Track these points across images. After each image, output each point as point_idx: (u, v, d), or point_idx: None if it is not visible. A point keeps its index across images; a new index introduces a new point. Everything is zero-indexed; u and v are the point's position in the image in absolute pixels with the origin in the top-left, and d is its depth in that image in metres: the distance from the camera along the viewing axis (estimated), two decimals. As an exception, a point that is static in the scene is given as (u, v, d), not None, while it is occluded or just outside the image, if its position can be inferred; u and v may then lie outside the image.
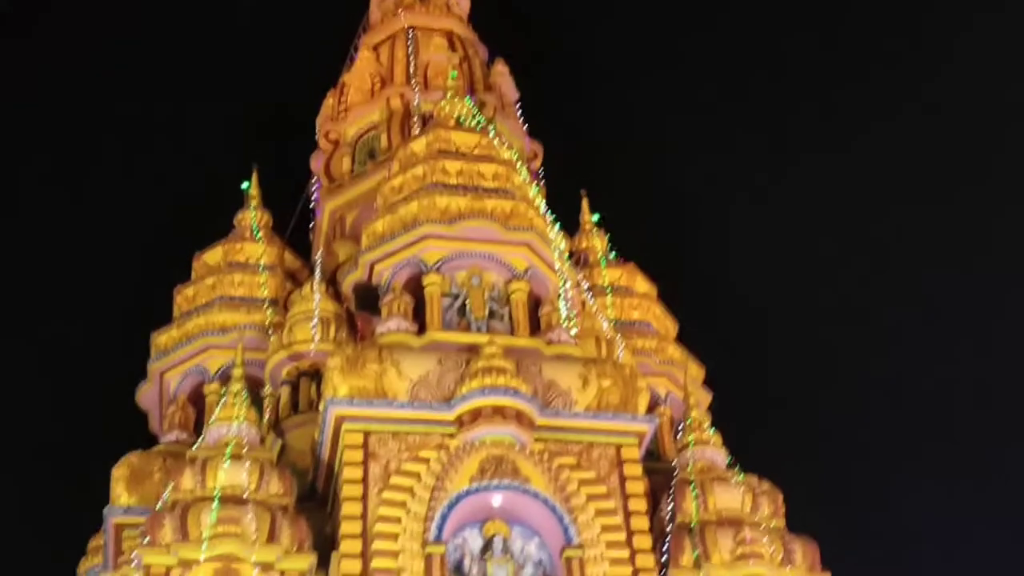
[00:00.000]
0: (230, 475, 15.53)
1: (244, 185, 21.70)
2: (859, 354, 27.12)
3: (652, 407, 18.41)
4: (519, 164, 19.08)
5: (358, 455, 15.59)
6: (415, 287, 17.59)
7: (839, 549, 17.13)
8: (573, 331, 17.62)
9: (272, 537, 15.01)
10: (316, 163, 22.42)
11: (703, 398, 19.76)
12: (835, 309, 28.36)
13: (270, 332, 19.03)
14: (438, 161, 18.39)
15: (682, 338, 20.60)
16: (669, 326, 20.70)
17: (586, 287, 19.47)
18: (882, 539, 23.49)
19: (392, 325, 17.05)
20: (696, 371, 20.19)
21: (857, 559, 19.90)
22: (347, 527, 15.03)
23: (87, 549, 18.70)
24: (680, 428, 17.91)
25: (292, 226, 21.96)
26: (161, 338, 19.92)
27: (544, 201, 19.25)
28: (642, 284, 20.88)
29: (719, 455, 17.23)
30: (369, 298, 18.16)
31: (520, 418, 15.86)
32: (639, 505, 15.76)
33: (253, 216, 21.30)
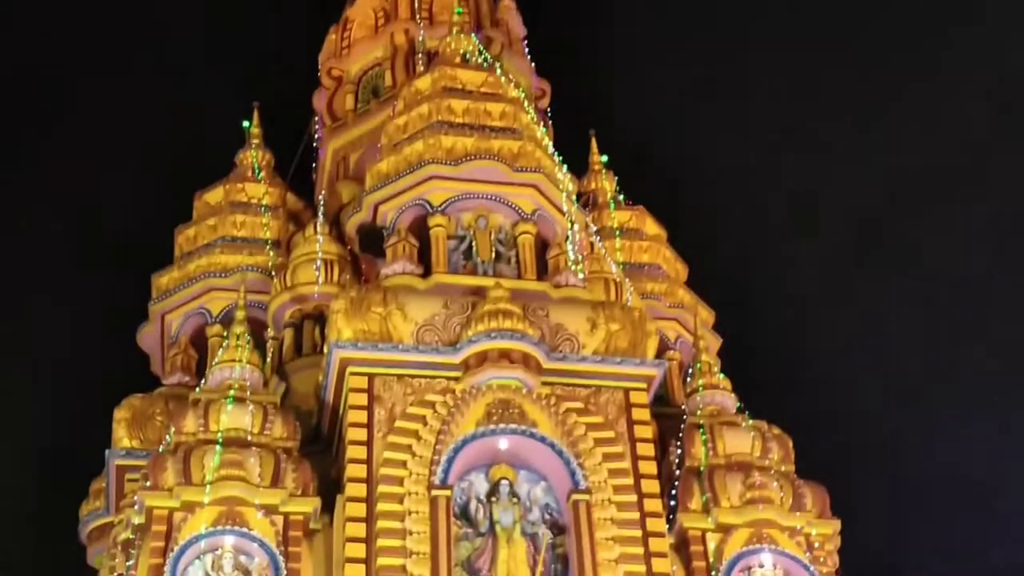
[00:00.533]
0: (233, 418, 15.79)
1: (245, 124, 21.84)
2: (879, 301, 27.28)
3: (661, 351, 18.56)
4: (526, 103, 19.16)
5: (363, 399, 15.83)
6: (420, 229, 17.73)
7: (850, 496, 17.46)
8: (581, 274, 17.75)
9: (276, 480, 15.28)
10: (318, 101, 22.49)
11: (713, 343, 19.93)
12: (851, 252, 28.48)
13: (273, 274, 19.20)
14: (443, 99, 18.49)
15: (692, 282, 20.80)
16: (679, 269, 20.85)
17: (594, 230, 19.58)
18: (894, 485, 23.77)
19: (397, 267, 17.21)
20: (706, 315, 20.35)
21: (868, 506, 20.24)
22: (352, 471, 15.30)
23: (89, 492, 18.97)
24: (689, 373, 18.13)
25: (294, 166, 22.11)
26: (162, 279, 20.13)
27: (552, 142, 19.37)
28: (652, 227, 21.01)
29: (729, 400, 17.48)
30: (373, 240, 18.29)
31: (527, 362, 16.07)
32: (647, 450, 16.00)
33: (254, 155, 21.43)
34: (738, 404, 17.49)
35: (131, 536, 15.59)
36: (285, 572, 14.65)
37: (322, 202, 19.81)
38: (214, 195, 20.85)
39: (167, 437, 16.02)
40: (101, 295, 26.31)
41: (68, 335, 26.14)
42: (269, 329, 18.74)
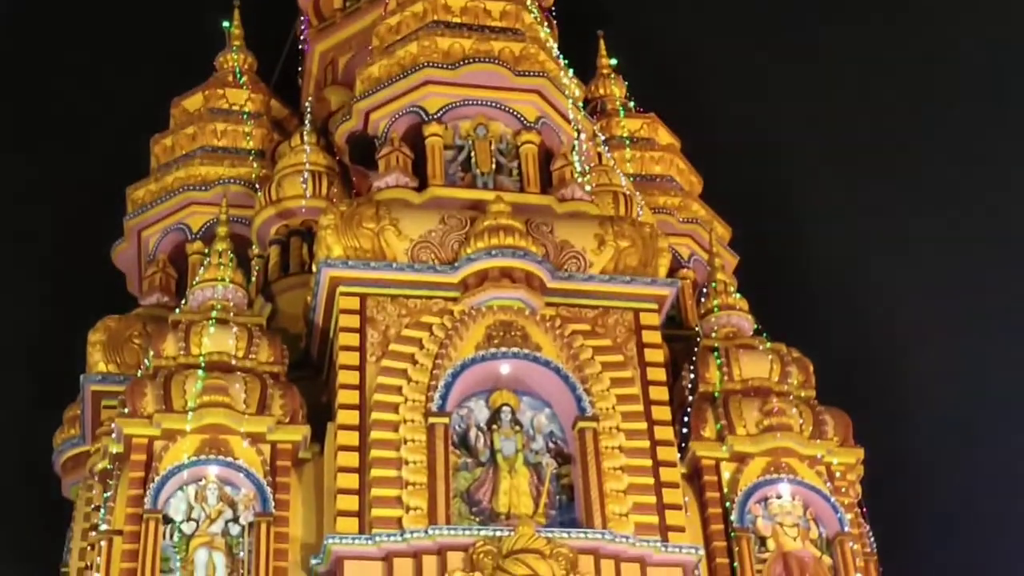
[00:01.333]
0: (216, 341, 15.66)
1: (225, 24, 21.51)
2: (900, 213, 27.11)
3: (674, 270, 18.47)
4: (529, 1, 18.86)
5: (355, 320, 15.70)
6: (415, 138, 17.52)
7: (872, 424, 17.41)
8: (588, 187, 17.60)
9: (263, 407, 15.19)
10: (304, -1, 22.17)
11: (729, 260, 19.83)
12: (870, 164, 28.24)
13: (256, 187, 19.04)
14: (440, -3, 18.22)
15: (707, 195, 20.63)
16: (693, 182, 20.68)
17: (602, 139, 19.41)
18: (918, 414, 23.79)
19: (390, 180, 17.03)
20: (722, 231, 20.23)
21: (892, 434, 20.23)
22: (344, 397, 15.21)
23: (63, 419, 18.95)
24: (704, 292, 18.03)
25: (279, 70, 21.83)
26: (138, 192, 19.95)
27: (556, 43, 19.10)
28: (664, 136, 20.81)
29: (745, 321, 17.38)
30: (365, 150, 18.11)
31: (530, 281, 15.92)
32: (658, 374, 15.91)
33: (235, 58, 21.16)
34: (755, 326, 17.40)
35: (109, 466, 15.53)
36: (273, 503, 14.61)
37: (309, 109, 19.59)
38: (192, 102, 20.61)
39: (146, 361, 15.92)
40: (73, 209, 26.12)
41: (35, 251, 25.99)
42: (253, 246, 18.59)
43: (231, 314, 16.13)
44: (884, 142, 27.88)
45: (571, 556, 14.11)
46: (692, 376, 16.69)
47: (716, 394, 16.37)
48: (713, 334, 17.16)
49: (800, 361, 16.95)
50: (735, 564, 15.11)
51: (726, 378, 16.50)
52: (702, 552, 14.91)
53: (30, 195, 25.75)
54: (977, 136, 27.32)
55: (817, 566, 15.20)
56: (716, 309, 17.45)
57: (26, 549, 19.20)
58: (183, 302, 16.81)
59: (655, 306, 16.39)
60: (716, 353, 16.73)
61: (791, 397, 16.31)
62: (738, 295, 17.71)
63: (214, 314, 15.98)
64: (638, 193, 18.89)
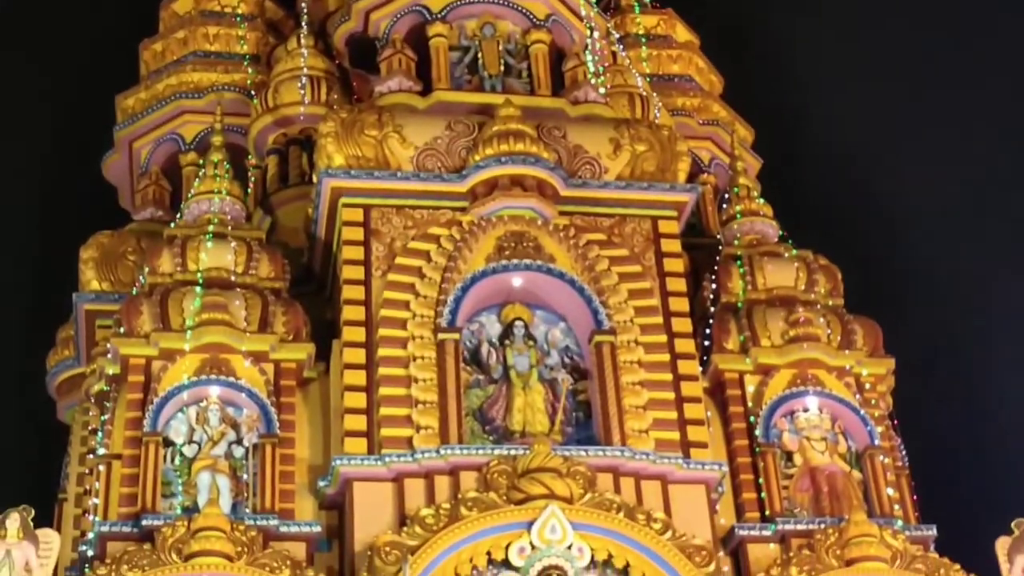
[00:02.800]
0: (214, 256, 15.71)
1: (215, -80, 21.29)
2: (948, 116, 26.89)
3: (694, 175, 18.45)
4: None
5: (358, 233, 15.73)
6: (418, 39, 17.45)
7: (902, 333, 17.45)
8: (602, 89, 17.53)
9: (264, 325, 15.27)
10: None
11: (752, 164, 19.78)
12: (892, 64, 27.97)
13: (252, 94, 19.00)
14: None
15: (728, 95, 20.54)
16: (714, 81, 20.59)
17: (617, 37, 19.30)
18: (949, 322, 23.81)
19: (393, 84, 16.99)
20: (745, 133, 20.17)
21: (921, 344, 20.28)
22: (349, 313, 15.28)
23: (56, 340, 19.08)
24: (725, 198, 18.00)
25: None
26: (127, 101, 19.91)
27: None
28: (682, 33, 20.68)
29: (770, 227, 17.37)
30: (365, 53, 18.04)
31: (542, 189, 15.92)
32: (678, 285, 15.94)
33: (226, -44, 21.00)
34: (780, 232, 17.39)
35: (105, 388, 15.65)
36: (277, 424, 14.72)
37: (305, 10, 19.42)
38: (182, 4, 20.50)
39: (141, 278, 15.97)
40: (62, 120, 26.06)
41: (24, 166, 25.96)
42: (250, 156, 18.59)
43: (229, 228, 16.15)
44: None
45: (589, 474, 14.24)
46: (714, 286, 16.72)
47: (739, 304, 16.41)
48: (736, 242, 17.17)
49: (827, 268, 16.97)
50: (760, 480, 15.23)
51: (750, 287, 16.53)
52: (725, 468, 15.03)
53: (13, 104, 25.67)
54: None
55: (846, 481, 15.33)
56: (738, 215, 17.45)
57: (23, 476, 19.42)
58: (178, 216, 16.83)
59: (674, 213, 16.39)
60: (739, 261, 16.75)
61: (818, 306, 16.35)
62: (762, 200, 17.69)
63: (211, 228, 16.02)
64: (655, 94, 18.82)
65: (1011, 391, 22.73)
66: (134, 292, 15.96)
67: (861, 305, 16.92)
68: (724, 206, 17.89)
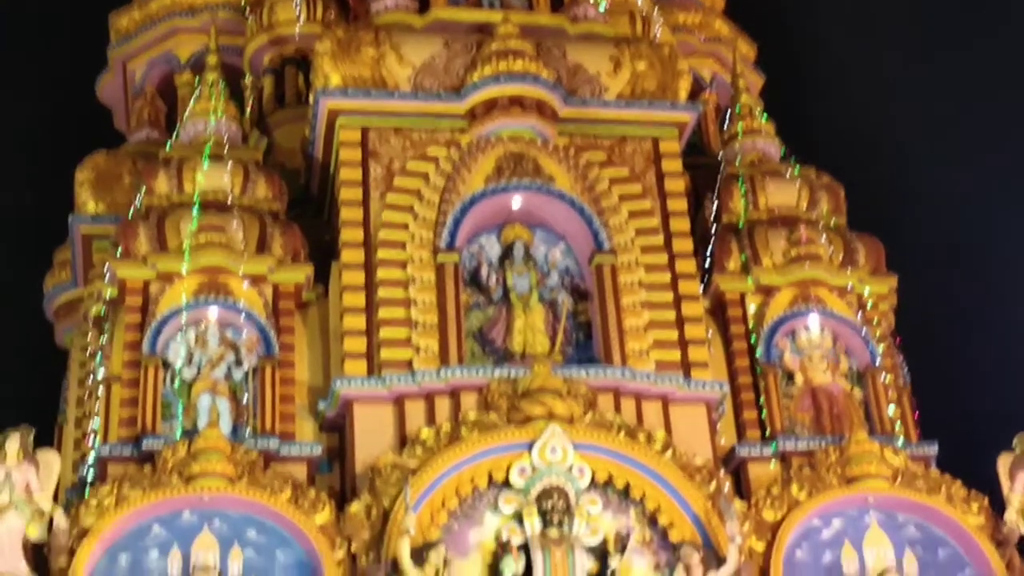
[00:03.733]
0: (210, 177, 15.64)
1: None
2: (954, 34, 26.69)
3: (695, 93, 18.37)
4: None
5: (356, 154, 15.67)
6: (416, -46, 17.30)
7: (905, 251, 17.45)
8: (602, 6, 17.38)
9: (262, 247, 15.25)
10: None
11: (754, 81, 19.69)
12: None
13: (247, 12, 18.85)
14: None
15: (730, 10, 20.37)
16: (715, -4, 20.45)
17: (616, -47, 19.09)
18: (951, 241, 23.82)
19: (389, 2, 16.82)
20: (747, 50, 20.05)
21: (924, 262, 20.28)
22: (347, 235, 15.26)
23: (53, 263, 19.08)
24: (727, 116, 17.93)
25: None
26: (121, 20, 19.77)
27: None
28: (683, -52, 20.50)
29: (772, 146, 17.31)
30: (360, -30, 17.88)
31: (541, 109, 15.84)
32: (679, 205, 15.91)
33: None
34: (783, 151, 17.34)
35: (103, 311, 15.68)
36: (277, 346, 14.74)
37: (300, -74, 19.26)
38: (176, -79, 20.27)
39: (137, 200, 15.92)
40: (57, 41, 25.90)
41: (15, 86, 25.81)
42: (246, 76, 18.47)
43: (225, 149, 16.08)
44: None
45: (590, 395, 14.29)
46: (715, 206, 16.69)
47: (740, 224, 16.39)
48: (737, 161, 17.12)
49: (830, 187, 16.93)
50: (761, 400, 15.29)
51: (751, 207, 16.50)
52: (726, 388, 15.09)
53: (6, 26, 25.49)
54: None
55: (847, 400, 15.40)
56: (740, 134, 17.38)
57: (22, 400, 19.48)
58: (174, 137, 16.76)
59: (675, 132, 16.32)
60: (740, 181, 16.70)
61: (820, 225, 16.32)
62: (764, 118, 17.61)
63: (207, 149, 15.94)
64: (655, 11, 18.67)
65: (1013, 309, 22.78)
66: (131, 214, 15.90)
67: (863, 223, 16.91)
68: (726, 125, 17.83)
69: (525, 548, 13.38)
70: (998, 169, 24.66)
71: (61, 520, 13.06)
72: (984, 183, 24.35)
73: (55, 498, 13.50)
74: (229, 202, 15.56)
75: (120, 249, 15.23)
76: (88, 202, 17.56)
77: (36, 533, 13.04)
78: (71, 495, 14.81)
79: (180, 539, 13.29)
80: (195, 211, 15.24)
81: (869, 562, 14.09)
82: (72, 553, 12.91)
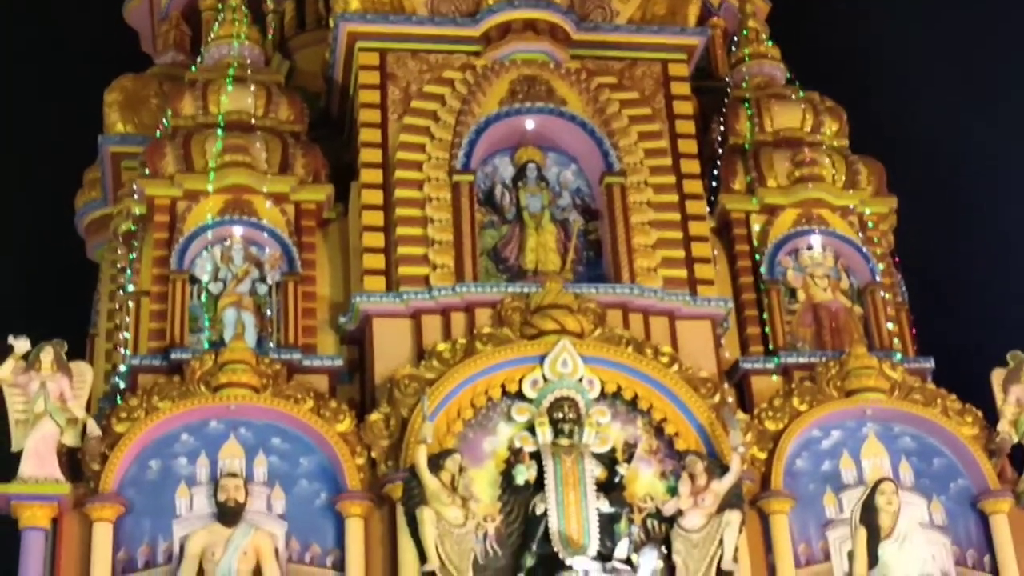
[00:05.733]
0: (234, 99, 15.63)
1: None
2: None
3: (703, 18, 18.19)
4: None
5: (375, 77, 15.62)
6: None
7: (906, 173, 17.40)
8: (613, -69, 17.22)
9: (284, 167, 15.26)
10: None
11: (761, 7, 19.49)
12: None
13: (269, -62, 18.70)
14: None
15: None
16: (724, -78, 20.19)
17: None
18: (954, 165, 23.71)
19: (407, -72, 16.70)
20: (754, -25, 19.85)
21: (925, 184, 20.22)
22: (366, 155, 15.26)
23: (83, 182, 19.10)
24: (734, 41, 17.81)
25: None
26: (145, -54, 19.67)
27: None
28: None
29: (778, 70, 17.19)
30: None
31: (554, 33, 15.76)
32: (687, 127, 15.86)
33: None
34: (788, 75, 17.23)
35: (132, 228, 15.73)
36: (299, 263, 14.80)
37: None
38: None
39: (164, 121, 15.92)
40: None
41: (46, 10, 25.68)
42: (268, 1, 18.34)
43: (248, 72, 16.03)
44: None
45: (599, 311, 14.34)
46: (722, 128, 16.64)
47: (746, 146, 16.34)
48: (744, 84, 17.02)
49: (834, 110, 16.85)
50: (764, 316, 15.34)
51: (757, 129, 16.45)
52: (731, 305, 15.13)
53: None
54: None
55: (847, 316, 15.43)
56: (747, 58, 17.27)
57: (56, 313, 19.58)
58: (199, 60, 16.72)
59: (684, 56, 16.23)
60: (746, 104, 16.63)
61: (824, 147, 16.27)
62: (770, 43, 17.49)
63: (231, 72, 15.90)
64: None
65: (1011, 228, 22.72)
66: (158, 135, 15.91)
67: (866, 146, 16.86)
68: (733, 49, 17.72)
69: (537, 456, 13.48)
70: (1001, 92, 24.49)
71: (94, 428, 13.20)
72: (986, 109, 24.20)
73: (88, 407, 13.64)
74: (252, 123, 15.55)
75: (148, 169, 15.25)
76: (117, 123, 17.55)
77: (70, 440, 13.19)
78: (103, 404, 14.94)
79: (207, 446, 13.43)
80: (220, 132, 15.24)
81: (866, 471, 14.20)
82: (104, 459, 13.04)
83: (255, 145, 15.18)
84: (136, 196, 15.35)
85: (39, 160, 23.02)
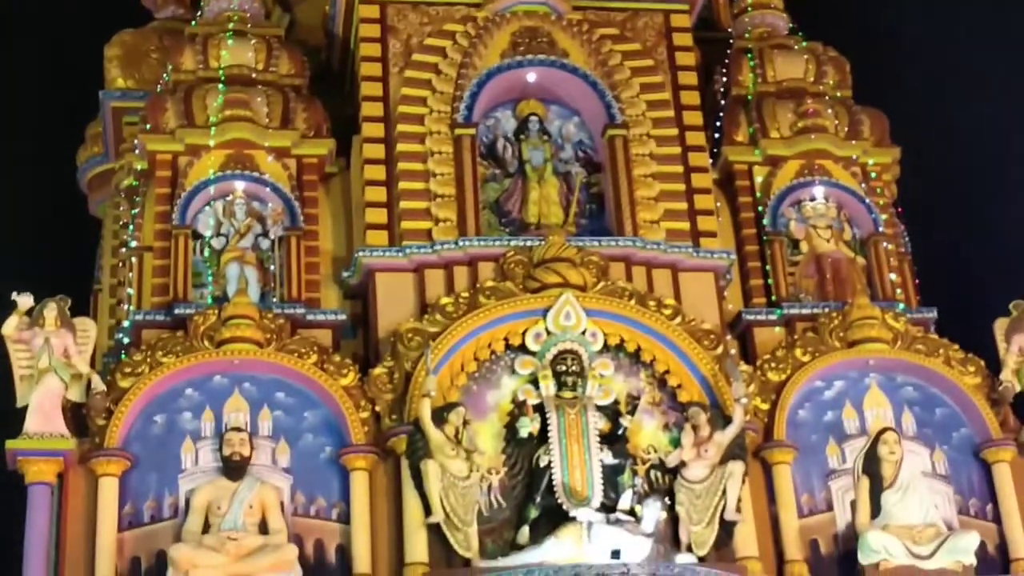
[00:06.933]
0: (235, 53, 15.56)
1: None
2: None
3: (705, -32, 18.10)
4: None
5: (375, 30, 15.52)
6: None
7: (909, 124, 17.32)
8: None
9: (286, 121, 15.20)
10: None
11: (763, -44, 19.38)
12: None
13: None
14: None
15: None
16: None
17: None
18: (955, 111, 23.58)
19: None
20: (756, -75, 19.68)
21: (929, 135, 20.12)
22: (368, 109, 15.19)
23: (85, 137, 19.06)
24: (737, -9, 17.73)
25: None
26: None
27: None
28: None
29: (780, 20, 17.09)
30: None
31: (556, -16, 15.70)
32: (690, 78, 15.78)
33: None
34: (791, 25, 17.15)
35: (134, 183, 15.69)
36: (302, 217, 14.78)
37: None
38: None
39: (164, 76, 15.87)
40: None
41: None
42: (268, -47, 18.20)
43: (249, 25, 15.96)
44: None
45: (602, 264, 14.32)
46: (724, 79, 16.56)
47: (749, 97, 16.28)
48: (746, 35, 16.93)
49: (836, 60, 16.77)
50: (767, 267, 15.34)
51: (759, 80, 16.38)
52: (734, 257, 15.11)
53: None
54: None
55: (850, 267, 15.42)
56: (749, 8, 17.17)
57: (59, 269, 19.57)
58: (199, 14, 16.61)
59: (686, 7, 16.13)
60: (749, 54, 16.55)
61: (826, 97, 16.21)
62: (773, -7, 17.39)
63: (231, 25, 15.83)
64: None
65: (1017, 178, 22.63)
66: (158, 89, 15.86)
67: (868, 96, 16.78)
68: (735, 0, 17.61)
69: (540, 409, 13.51)
70: (1003, 41, 24.32)
71: (98, 383, 13.22)
72: (989, 57, 24.04)
73: (92, 363, 13.64)
74: (253, 77, 15.49)
75: (149, 124, 15.20)
76: (117, 78, 17.46)
77: (75, 395, 13.21)
78: (107, 360, 14.98)
79: (212, 401, 13.44)
80: (220, 87, 15.18)
81: (869, 421, 14.22)
82: (109, 414, 13.07)
83: (256, 99, 15.13)
84: (137, 151, 15.31)
85: (40, 116, 22.92)
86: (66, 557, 12.71)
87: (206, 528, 12.75)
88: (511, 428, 13.55)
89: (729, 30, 17.36)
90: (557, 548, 12.63)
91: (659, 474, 13.57)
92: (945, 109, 22.73)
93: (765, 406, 14.03)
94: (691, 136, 15.45)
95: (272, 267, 14.67)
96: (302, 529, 13.06)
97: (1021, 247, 20.84)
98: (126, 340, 14.36)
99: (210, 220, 14.78)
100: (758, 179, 15.75)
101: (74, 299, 13.69)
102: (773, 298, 15.15)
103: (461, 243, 14.38)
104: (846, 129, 16.02)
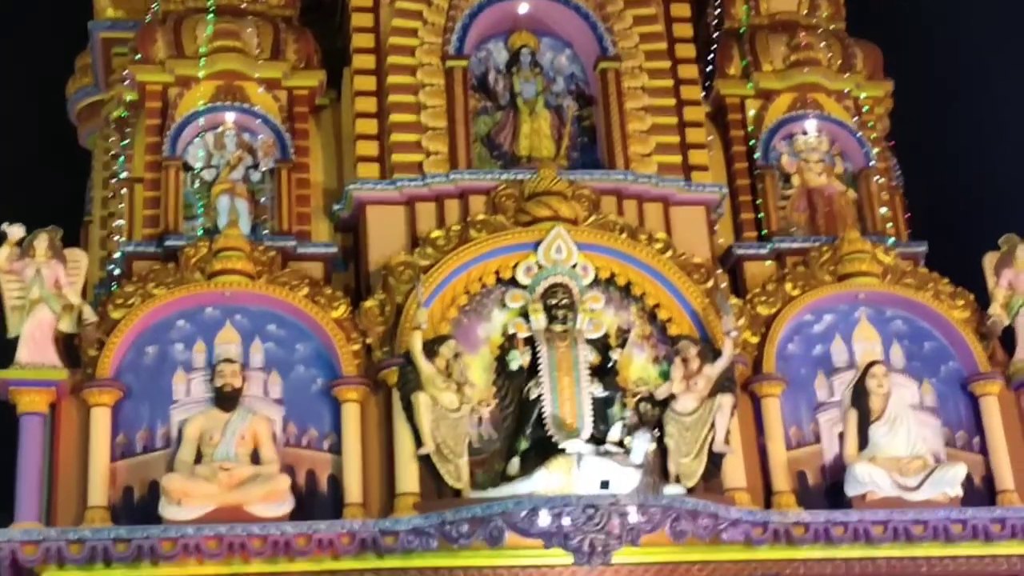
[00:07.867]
0: (225, -17, 15.48)
1: None
2: None
3: (699, -101, 17.94)
4: None
5: (366, -40, 15.43)
6: None
7: (903, 57, 17.26)
8: None
9: (276, 52, 15.11)
10: None
11: None
12: None
13: None
14: None
15: None
16: None
17: None
18: (948, 44, 23.48)
19: None
20: None
21: (922, 67, 20.06)
22: (358, 40, 15.08)
23: (75, 68, 18.93)
24: (730, -78, 17.55)
25: None
26: None
27: None
28: None
29: (774, -48, 17.00)
30: None
31: (548, -86, 15.55)
32: (682, 11, 15.68)
33: None
34: (784, -43, 17.02)
35: (124, 114, 15.62)
36: (292, 149, 14.73)
37: None
38: None
39: (154, 6, 15.71)
40: None
41: None
42: None
43: (238, -45, 15.84)
44: None
45: (593, 197, 14.31)
46: (717, 12, 16.47)
47: (742, 30, 16.20)
48: (740, -34, 16.82)
49: (829, 5, 16.69)
50: (758, 201, 15.34)
51: (752, 12, 16.29)
52: (725, 190, 15.09)
53: None
54: None
55: (841, 200, 15.42)
56: (743, -60, 17.04)
57: (50, 200, 19.52)
58: (189, -57, 16.46)
59: (680, -62, 16.01)
60: (742, -13, 16.45)
61: (819, 31, 16.14)
62: (767, -76, 17.24)
63: (220, -44, 15.71)
64: None
65: (1007, 116, 22.59)
66: (148, 20, 15.74)
67: (862, 29, 16.70)
68: (729, -69, 17.44)
69: (531, 341, 13.55)
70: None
71: (90, 314, 13.22)
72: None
73: (83, 294, 13.65)
74: (243, 7, 15.38)
75: (139, 54, 15.11)
76: (107, 8, 17.32)
77: (66, 326, 13.22)
78: (99, 291, 14.98)
79: (204, 332, 13.46)
80: (210, 17, 15.07)
81: (857, 354, 14.27)
82: (101, 345, 13.09)
83: (246, 30, 15.04)
84: (127, 82, 15.23)
85: (30, 46, 22.78)
86: (59, 487, 12.77)
87: (198, 458, 12.82)
88: (502, 361, 13.60)
89: (723, -39, 17.20)
90: (547, 479, 12.71)
91: (648, 406, 13.62)
92: (940, 45, 22.65)
93: (755, 339, 14.07)
94: (683, 69, 15.39)
95: (263, 199, 14.64)
96: (294, 460, 13.13)
97: (1011, 182, 20.86)
98: (117, 271, 14.36)
99: (200, 152, 14.73)
100: (750, 113, 15.71)
101: (65, 230, 13.67)
102: (764, 232, 15.17)
103: (452, 176, 14.35)
104: (839, 62, 15.96)
